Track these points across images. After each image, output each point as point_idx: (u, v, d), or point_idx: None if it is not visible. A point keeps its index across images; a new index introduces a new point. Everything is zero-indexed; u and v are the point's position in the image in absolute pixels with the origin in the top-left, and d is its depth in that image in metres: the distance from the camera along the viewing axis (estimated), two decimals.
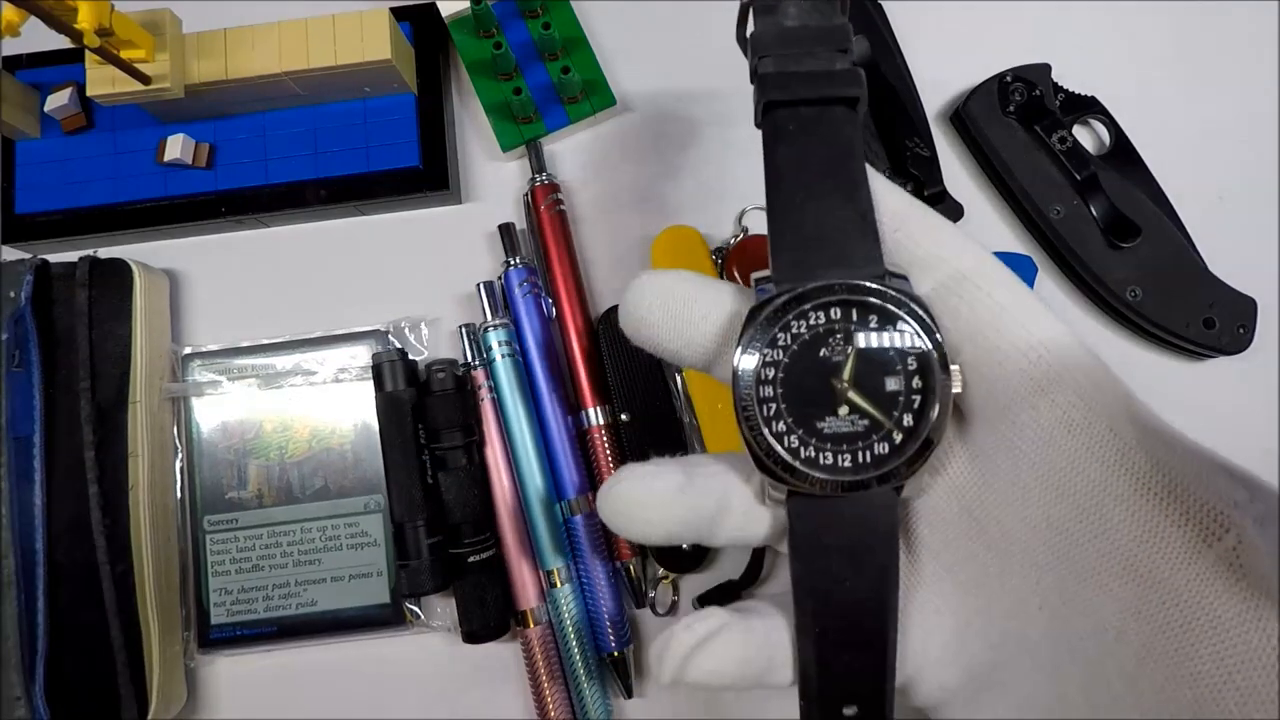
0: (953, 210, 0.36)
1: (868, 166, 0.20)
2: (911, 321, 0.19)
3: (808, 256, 0.19)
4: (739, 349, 0.19)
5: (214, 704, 0.35)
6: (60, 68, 0.38)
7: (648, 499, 0.20)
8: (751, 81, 0.21)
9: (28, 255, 0.36)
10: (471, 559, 0.32)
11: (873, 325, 0.19)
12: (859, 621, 0.20)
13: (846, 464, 0.19)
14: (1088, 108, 0.37)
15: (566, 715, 0.32)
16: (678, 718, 0.34)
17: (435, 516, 0.32)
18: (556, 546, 0.33)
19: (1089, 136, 0.37)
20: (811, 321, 0.19)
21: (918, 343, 0.19)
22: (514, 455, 0.34)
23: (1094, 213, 0.35)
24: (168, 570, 0.34)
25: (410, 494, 0.32)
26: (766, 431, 0.19)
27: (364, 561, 0.34)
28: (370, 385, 0.34)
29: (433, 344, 0.37)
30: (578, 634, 0.32)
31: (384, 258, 0.38)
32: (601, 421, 0.34)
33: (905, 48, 0.37)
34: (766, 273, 0.20)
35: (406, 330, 0.37)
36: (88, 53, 0.31)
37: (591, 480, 0.34)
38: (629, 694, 0.33)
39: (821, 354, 0.19)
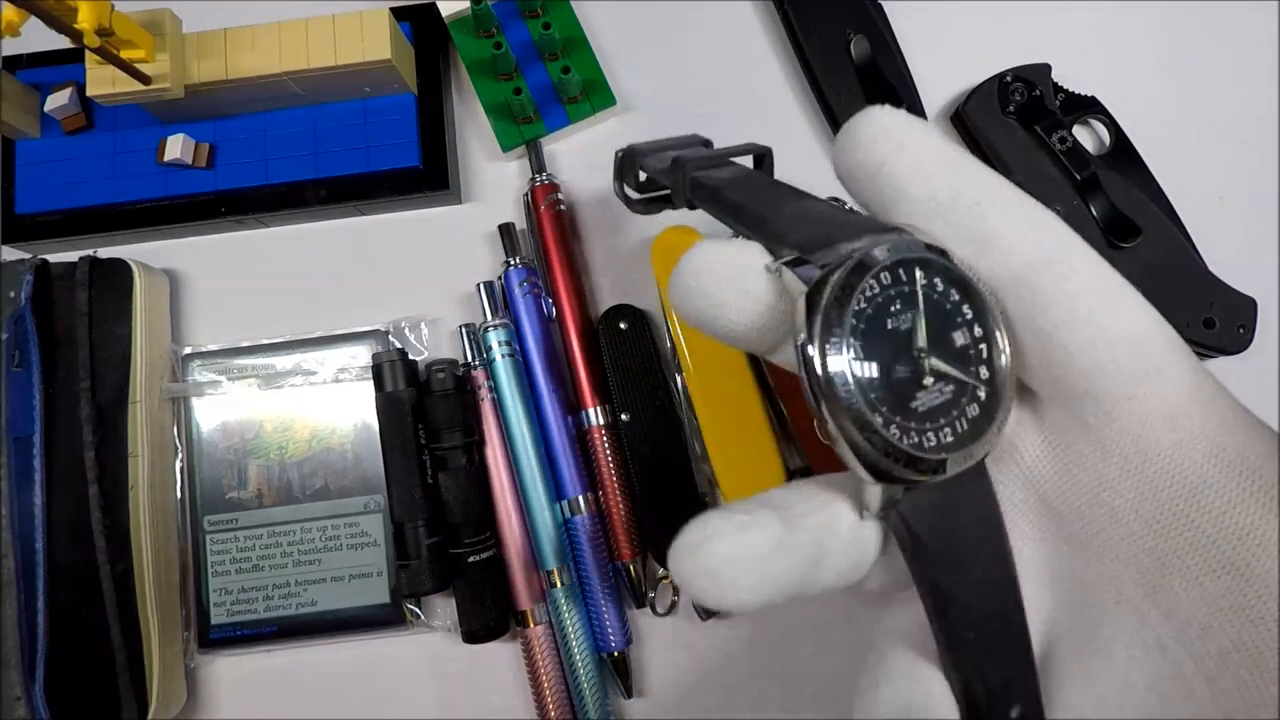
0: None
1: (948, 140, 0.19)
2: (953, 265, 0.18)
3: (820, 232, 0.18)
4: (815, 348, 0.16)
5: (214, 704, 0.35)
6: (60, 68, 0.38)
7: (744, 560, 0.17)
8: (642, 196, 0.25)
9: (28, 255, 0.36)
10: (471, 559, 0.32)
11: (922, 281, 0.17)
12: (997, 612, 0.18)
13: (949, 439, 0.17)
14: (1088, 108, 0.37)
15: (566, 715, 0.32)
16: (677, 718, 0.34)
17: (435, 516, 0.32)
18: (556, 546, 0.33)
19: (1089, 136, 0.37)
20: (869, 294, 0.17)
21: (964, 283, 0.18)
22: (514, 455, 0.34)
23: (1094, 213, 0.35)
24: (168, 570, 0.34)
25: (410, 494, 0.32)
26: (880, 427, 0.16)
27: (364, 561, 0.34)
28: (370, 385, 0.34)
29: (433, 344, 0.37)
30: (577, 634, 0.32)
31: (384, 258, 0.38)
32: (601, 421, 0.34)
33: (905, 48, 0.37)
34: (789, 254, 0.18)
35: (406, 330, 0.37)
36: (88, 53, 0.31)
37: (591, 480, 0.34)
38: (629, 694, 0.33)
39: (890, 326, 0.17)
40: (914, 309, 0.17)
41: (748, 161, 0.24)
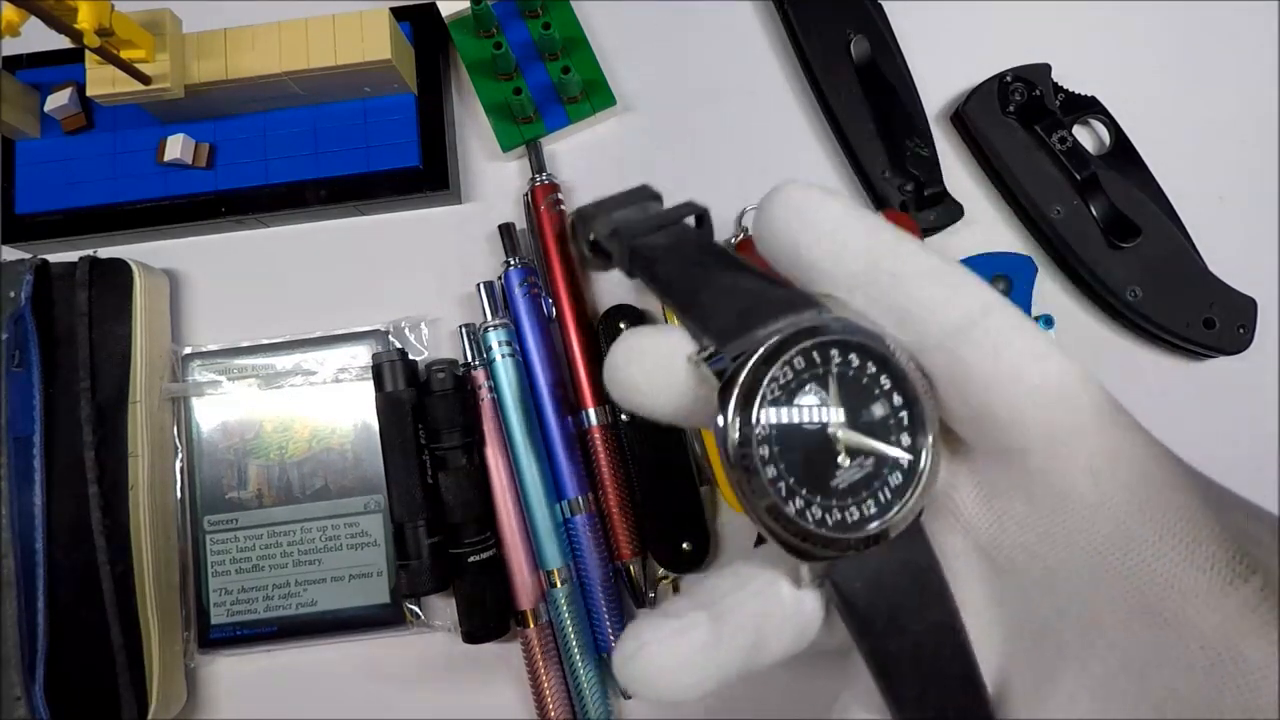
0: (953, 210, 0.36)
1: (856, 208, 0.19)
2: (869, 340, 0.18)
3: (739, 315, 0.18)
4: (729, 440, 0.17)
5: (214, 704, 0.35)
6: (60, 68, 0.38)
7: (678, 665, 0.18)
8: (595, 255, 0.24)
9: (28, 255, 0.36)
10: (471, 559, 0.32)
11: (836, 360, 0.18)
12: (942, 665, 0.18)
13: (872, 510, 0.18)
14: (1088, 108, 0.37)
15: (566, 715, 0.32)
16: (677, 718, 0.34)
17: (435, 516, 0.32)
18: (556, 546, 0.33)
19: (1089, 136, 0.37)
20: (782, 382, 0.18)
21: (881, 356, 0.18)
22: (514, 455, 0.34)
23: (1094, 213, 0.35)
24: (168, 570, 0.34)
25: (410, 494, 0.32)
26: (794, 514, 0.17)
27: (364, 561, 0.34)
28: (370, 385, 0.34)
29: (433, 344, 0.37)
30: (578, 634, 0.32)
31: (384, 258, 0.38)
32: (601, 421, 0.34)
33: (905, 48, 0.37)
34: (708, 349, 0.19)
35: (406, 330, 0.37)
36: (88, 53, 0.31)
37: (591, 480, 0.34)
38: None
39: (804, 410, 0.18)
40: (827, 390, 0.18)
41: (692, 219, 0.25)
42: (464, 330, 0.35)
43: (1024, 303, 0.35)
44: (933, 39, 0.38)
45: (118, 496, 0.33)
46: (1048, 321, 0.35)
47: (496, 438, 0.34)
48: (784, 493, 0.17)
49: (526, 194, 0.37)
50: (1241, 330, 0.34)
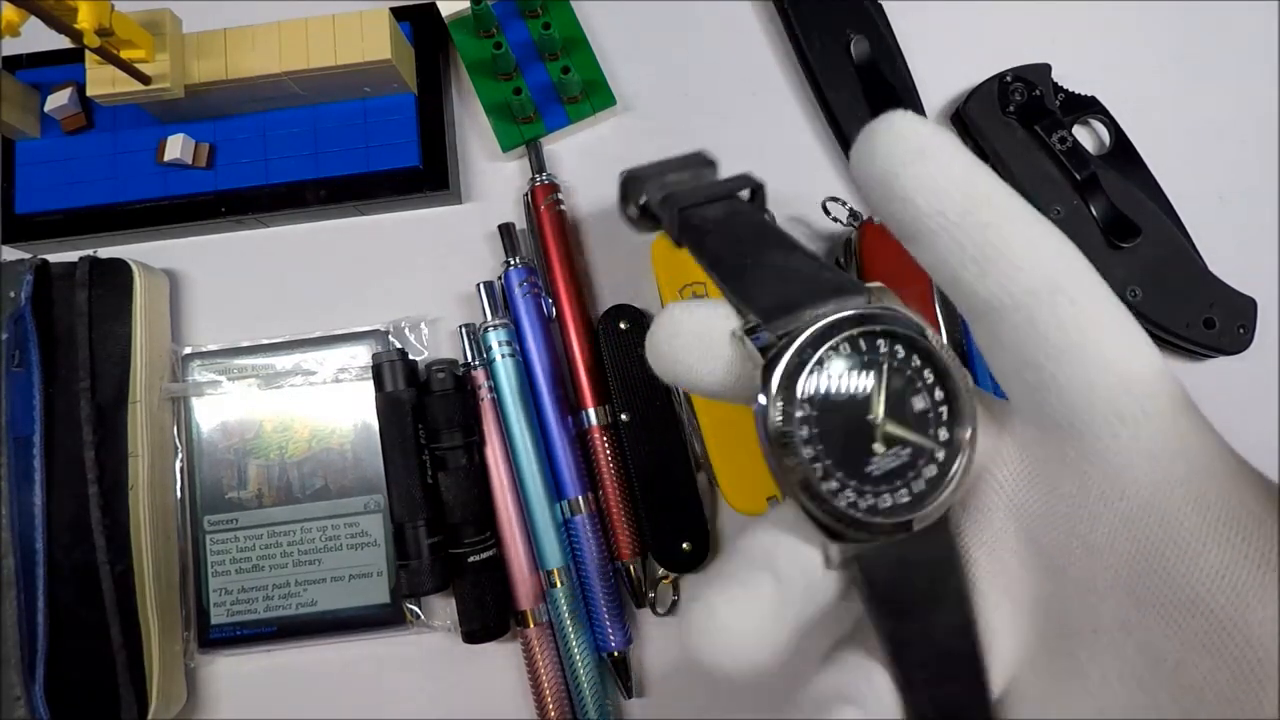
0: None
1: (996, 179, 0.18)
2: (914, 332, 0.18)
3: (787, 295, 0.18)
4: (768, 417, 0.17)
5: (214, 704, 0.35)
6: (60, 68, 0.38)
7: (755, 629, 0.17)
8: (644, 219, 0.24)
9: (28, 255, 0.36)
10: (471, 559, 0.32)
11: (883, 350, 0.18)
12: (952, 652, 0.19)
13: (905, 499, 0.18)
14: (1088, 108, 0.37)
15: (566, 715, 0.32)
16: (678, 718, 0.34)
17: (435, 516, 0.32)
18: (556, 546, 0.33)
19: (1089, 136, 0.37)
20: (826, 365, 0.18)
21: (926, 350, 0.18)
22: (514, 455, 0.34)
23: (1094, 213, 0.35)
24: (168, 570, 0.34)
25: (410, 494, 0.32)
26: (828, 494, 0.17)
27: (364, 561, 0.34)
28: (370, 385, 0.34)
29: (433, 344, 0.37)
30: (578, 634, 0.32)
31: (384, 258, 0.38)
32: (601, 421, 0.34)
33: (905, 48, 0.37)
34: (752, 324, 0.19)
35: (406, 330, 0.37)
36: (88, 53, 0.31)
37: (591, 480, 0.34)
38: (629, 694, 0.33)
39: (846, 395, 0.18)
40: (871, 378, 0.18)
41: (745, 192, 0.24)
42: (464, 330, 0.35)
43: None
44: (933, 39, 0.38)
45: (118, 496, 0.33)
46: None
47: (497, 438, 0.34)
48: (820, 473, 0.17)
49: (526, 194, 0.37)
50: (1241, 330, 0.34)
